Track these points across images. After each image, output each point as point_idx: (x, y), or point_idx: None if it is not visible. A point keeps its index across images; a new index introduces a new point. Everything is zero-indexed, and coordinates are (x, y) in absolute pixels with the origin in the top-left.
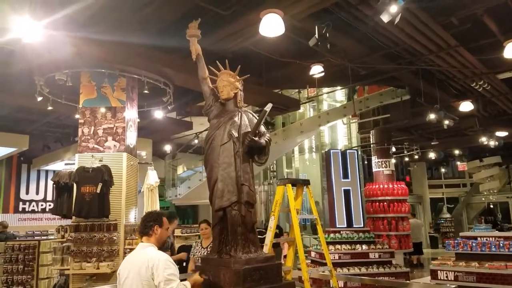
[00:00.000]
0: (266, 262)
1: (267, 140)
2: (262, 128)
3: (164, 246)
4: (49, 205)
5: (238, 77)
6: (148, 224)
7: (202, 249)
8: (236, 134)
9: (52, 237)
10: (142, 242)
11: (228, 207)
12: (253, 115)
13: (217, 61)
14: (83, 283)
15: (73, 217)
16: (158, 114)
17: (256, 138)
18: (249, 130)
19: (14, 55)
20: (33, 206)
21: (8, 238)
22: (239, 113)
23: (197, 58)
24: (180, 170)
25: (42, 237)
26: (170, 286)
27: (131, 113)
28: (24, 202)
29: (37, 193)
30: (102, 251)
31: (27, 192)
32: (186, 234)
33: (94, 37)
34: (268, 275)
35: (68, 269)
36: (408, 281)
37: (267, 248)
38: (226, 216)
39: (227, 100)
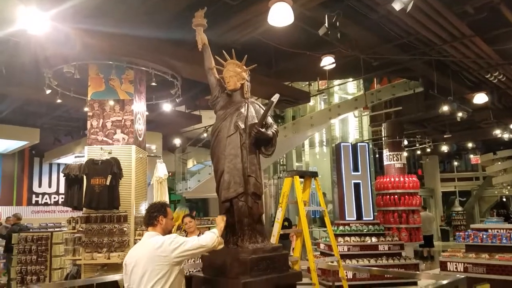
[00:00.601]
0: (273, 252)
1: (274, 131)
2: (269, 119)
3: None
4: (62, 198)
5: (245, 67)
6: (152, 215)
7: None
8: (242, 126)
9: (65, 229)
10: (148, 231)
11: (235, 198)
12: (260, 106)
13: (223, 51)
14: (95, 273)
15: (84, 209)
16: (167, 107)
17: (263, 130)
18: (256, 121)
19: (20, 47)
20: (46, 199)
21: (22, 230)
22: (246, 104)
23: (203, 48)
24: (190, 164)
25: (55, 229)
26: (194, 242)
27: (139, 106)
28: (37, 195)
29: (49, 186)
30: (112, 241)
31: (39, 185)
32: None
33: (101, 29)
34: (275, 265)
35: (80, 259)
36: (416, 272)
37: (274, 239)
38: (233, 207)
39: (234, 91)
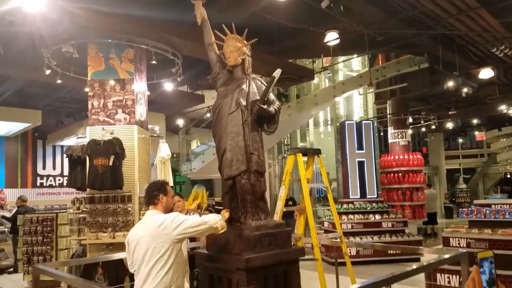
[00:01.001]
0: (275, 229)
1: (276, 108)
2: (271, 95)
3: None
4: (66, 180)
5: (245, 42)
6: (152, 194)
7: None
8: (244, 103)
9: (70, 210)
10: (149, 210)
11: (237, 176)
12: (261, 82)
13: (223, 25)
14: (100, 252)
15: (88, 189)
16: (168, 86)
17: (265, 106)
18: (258, 98)
19: (16, 26)
20: (51, 181)
21: (28, 212)
22: (247, 81)
23: (203, 22)
24: (194, 145)
25: (61, 210)
26: (196, 219)
27: (140, 86)
28: (42, 177)
29: (53, 168)
30: (117, 221)
31: (44, 168)
32: None
33: (98, 7)
34: (278, 241)
35: (85, 239)
36: (417, 247)
37: (277, 217)
38: (236, 185)
39: (235, 67)
